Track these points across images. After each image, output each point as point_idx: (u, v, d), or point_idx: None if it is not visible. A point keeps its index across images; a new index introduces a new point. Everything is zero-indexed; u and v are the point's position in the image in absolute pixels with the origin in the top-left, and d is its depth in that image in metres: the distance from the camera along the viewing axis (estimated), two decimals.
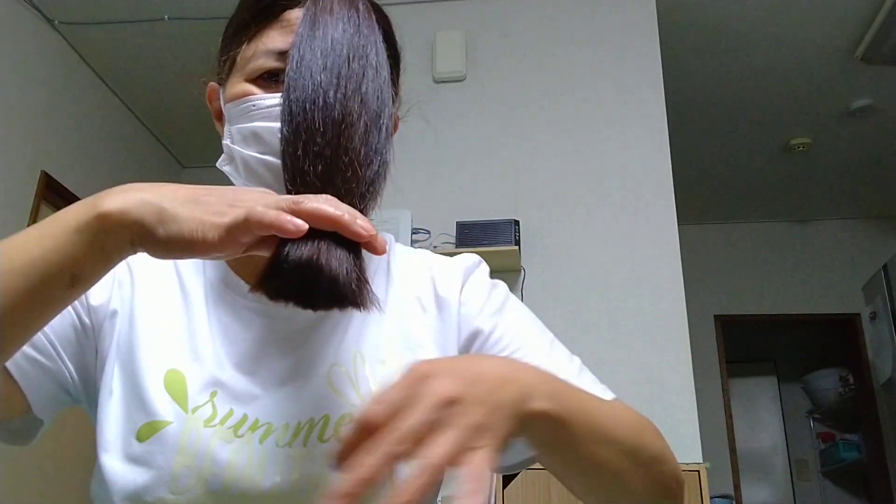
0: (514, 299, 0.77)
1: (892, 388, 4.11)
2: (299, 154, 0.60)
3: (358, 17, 0.66)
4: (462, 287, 0.75)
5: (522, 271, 2.68)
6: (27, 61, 3.15)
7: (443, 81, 3.01)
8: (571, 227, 2.74)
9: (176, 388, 0.65)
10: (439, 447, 0.45)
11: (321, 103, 0.61)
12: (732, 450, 4.70)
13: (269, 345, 0.69)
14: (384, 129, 0.64)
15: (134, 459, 0.63)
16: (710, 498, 2.10)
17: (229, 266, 0.72)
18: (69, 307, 0.66)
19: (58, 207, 3.29)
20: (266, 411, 0.66)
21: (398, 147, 0.83)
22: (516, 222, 2.63)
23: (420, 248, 1.08)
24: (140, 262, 0.73)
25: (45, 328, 0.63)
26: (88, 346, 0.69)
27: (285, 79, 0.63)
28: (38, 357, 0.65)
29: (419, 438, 0.46)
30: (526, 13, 3.09)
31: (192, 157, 4.42)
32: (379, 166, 0.63)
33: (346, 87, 0.62)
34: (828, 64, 3.52)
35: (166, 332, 0.68)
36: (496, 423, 0.49)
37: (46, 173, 3.22)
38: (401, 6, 3.14)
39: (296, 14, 0.68)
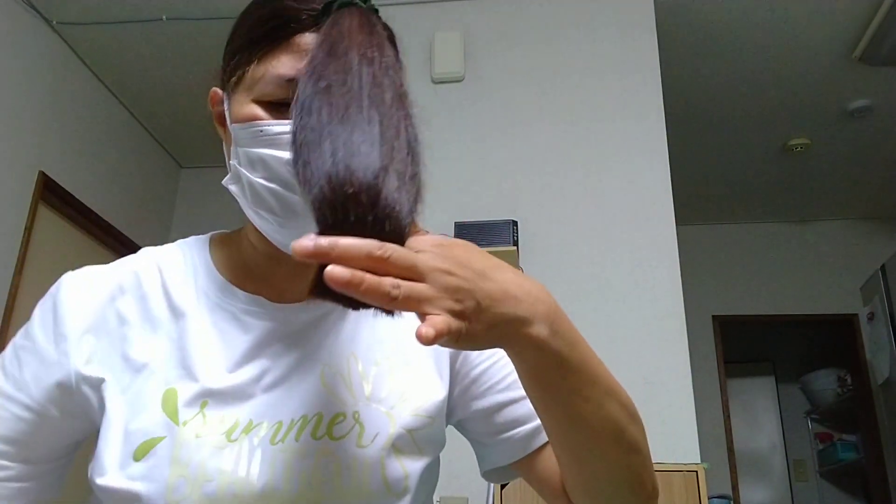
0: None
1: (890, 388, 4.12)
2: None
3: (373, 44, 0.60)
4: None
5: (521, 271, 2.68)
6: (25, 61, 3.14)
7: (441, 82, 3.00)
8: (570, 228, 2.74)
9: (168, 405, 0.67)
10: (413, 288, 0.49)
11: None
12: (730, 450, 4.70)
13: (267, 346, 0.71)
14: (419, 152, 0.61)
15: (131, 477, 0.65)
16: (709, 498, 2.10)
17: (224, 277, 0.75)
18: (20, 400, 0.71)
19: (56, 208, 3.31)
20: (260, 411, 0.68)
21: None
22: (515, 223, 2.63)
23: None
24: (131, 305, 0.73)
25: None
26: (79, 399, 0.71)
27: (294, 105, 0.57)
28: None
29: (400, 268, 0.49)
30: (524, 14, 3.09)
31: (191, 157, 4.41)
32: (418, 189, 0.59)
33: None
34: (826, 65, 3.53)
35: (159, 360, 0.70)
36: (477, 323, 0.52)
37: (44, 173, 3.21)
38: (399, 6, 3.14)
39: (307, 39, 0.66)
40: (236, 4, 0.73)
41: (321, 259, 0.48)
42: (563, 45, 3.02)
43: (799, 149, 4.19)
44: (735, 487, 4.63)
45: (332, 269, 0.47)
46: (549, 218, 2.76)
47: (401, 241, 0.52)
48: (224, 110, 0.71)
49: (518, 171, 2.84)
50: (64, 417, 0.71)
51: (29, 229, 3.12)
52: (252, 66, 0.68)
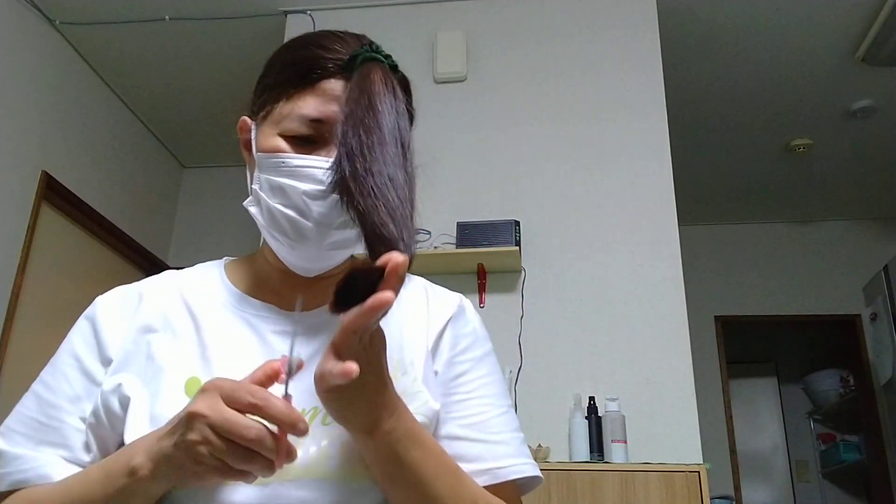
0: (494, 357, 0.86)
1: (893, 389, 4.11)
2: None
3: (395, 97, 0.72)
4: (454, 318, 0.84)
5: (523, 272, 2.68)
6: (28, 61, 3.15)
7: (443, 82, 3.01)
8: (572, 228, 2.74)
9: (192, 391, 0.73)
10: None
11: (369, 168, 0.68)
12: (733, 451, 4.70)
13: (278, 347, 0.78)
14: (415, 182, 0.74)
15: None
16: (711, 499, 2.10)
17: (238, 289, 0.84)
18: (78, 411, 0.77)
19: (59, 207, 3.32)
20: None
21: None
22: (517, 223, 2.64)
23: (421, 248, 1.11)
24: (156, 318, 0.81)
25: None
26: (108, 412, 0.76)
27: (337, 148, 0.69)
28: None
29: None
30: (526, 14, 3.09)
31: (193, 157, 4.41)
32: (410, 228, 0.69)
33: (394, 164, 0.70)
34: (828, 65, 3.52)
35: (181, 358, 0.76)
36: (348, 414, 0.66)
37: (47, 173, 3.22)
38: (401, 6, 3.14)
39: (332, 85, 0.74)
40: (238, 5, 0.74)
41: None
42: (566, 46, 3.02)
43: (801, 149, 4.18)
44: (737, 488, 4.63)
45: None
46: (551, 218, 2.76)
47: (410, 249, 0.63)
48: (251, 138, 0.80)
49: (520, 171, 2.84)
50: (106, 427, 0.77)
51: (32, 228, 3.13)
52: (280, 104, 0.76)
